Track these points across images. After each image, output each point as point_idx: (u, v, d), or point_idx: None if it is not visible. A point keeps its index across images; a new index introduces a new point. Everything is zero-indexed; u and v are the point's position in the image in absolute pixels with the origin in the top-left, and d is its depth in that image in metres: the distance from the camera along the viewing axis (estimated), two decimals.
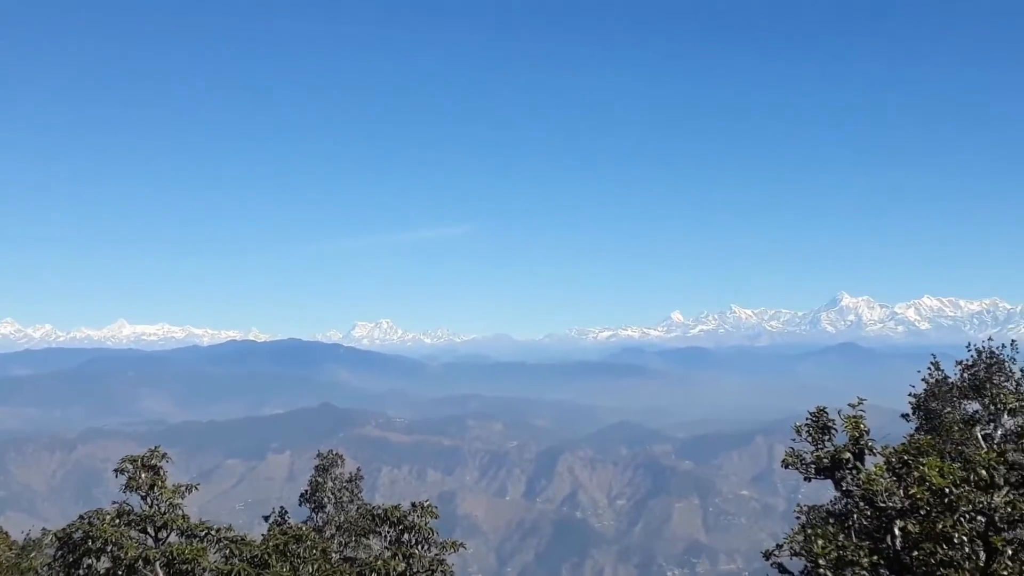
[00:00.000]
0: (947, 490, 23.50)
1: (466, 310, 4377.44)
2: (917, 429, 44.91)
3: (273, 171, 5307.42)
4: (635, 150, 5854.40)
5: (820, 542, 24.59)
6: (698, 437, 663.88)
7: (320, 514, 51.55)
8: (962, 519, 23.48)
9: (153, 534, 41.46)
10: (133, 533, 41.22)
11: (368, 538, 48.39)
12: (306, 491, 52.67)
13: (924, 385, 45.76)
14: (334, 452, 54.35)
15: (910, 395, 46.44)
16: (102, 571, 40.37)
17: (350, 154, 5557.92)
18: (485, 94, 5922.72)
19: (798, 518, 34.56)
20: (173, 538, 41.54)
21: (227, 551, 41.06)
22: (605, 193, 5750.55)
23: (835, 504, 32.91)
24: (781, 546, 26.04)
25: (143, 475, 41.93)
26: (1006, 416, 27.91)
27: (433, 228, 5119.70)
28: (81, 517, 41.52)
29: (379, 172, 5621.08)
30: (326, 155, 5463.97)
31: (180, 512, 41.83)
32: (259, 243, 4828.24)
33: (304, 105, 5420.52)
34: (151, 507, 41.70)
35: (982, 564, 23.43)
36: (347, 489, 52.48)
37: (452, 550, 45.46)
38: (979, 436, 28.05)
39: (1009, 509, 23.66)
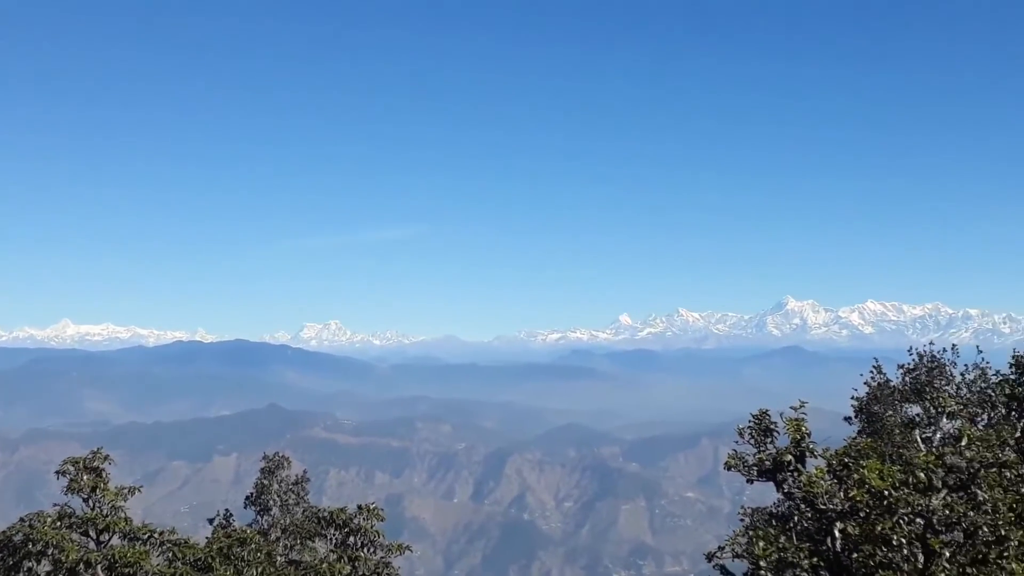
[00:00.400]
0: (886, 492, 23.81)
1: (416, 312, 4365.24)
2: (860, 432, 45.43)
3: (220, 171, 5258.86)
4: (583, 152, 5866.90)
5: (761, 544, 24.82)
6: (645, 439, 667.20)
7: (266, 517, 51.27)
8: (901, 521, 23.79)
9: (95, 537, 41.10)
10: (75, 536, 40.84)
11: (314, 541, 48.28)
12: (252, 493, 52.37)
13: (866, 388, 46.27)
14: (280, 454, 54.12)
15: (853, 398, 46.99)
16: (43, 575, 39.93)
17: (299, 154, 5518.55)
18: (434, 94, 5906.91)
19: (742, 520, 34.79)
20: (115, 541, 41.20)
21: (170, 554, 40.81)
22: (554, 195, 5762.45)
23: (778, 506, 33.19)
24: (723, 548, 26.24)
25: (85, 477, 41.57)
26: (945, 419, 28.33)
27: (383, 229, 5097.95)
28: (22, 520, 41.06)
29: (328, 172, 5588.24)
30: (274, 155, 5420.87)
31: (123, 515, 41.50)
32: (207, 243, 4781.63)
33: (251, 105, 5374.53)
34: (93, 510, 41.34)
35: (920, 566, 23.77)
36: (293, 492, 52.24)
37: (398, 553, 45.50)
38: (918, 439, 28.43)
39: (947, 511, 24.01)
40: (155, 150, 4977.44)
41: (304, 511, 51.22)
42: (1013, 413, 39.70)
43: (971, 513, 23.96)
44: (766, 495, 28.13)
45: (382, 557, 44.71)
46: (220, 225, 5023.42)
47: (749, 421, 27.44)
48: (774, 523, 27.89)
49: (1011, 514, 23.81)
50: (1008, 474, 26.01)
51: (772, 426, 27.08)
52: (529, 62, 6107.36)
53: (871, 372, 46.56)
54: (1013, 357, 41.40)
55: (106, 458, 42.44)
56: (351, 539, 44.93)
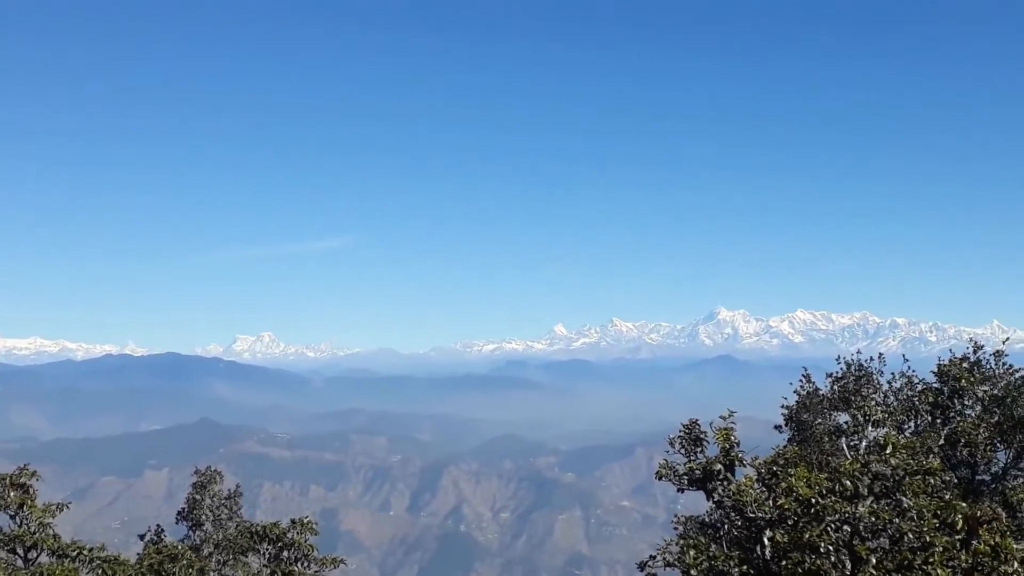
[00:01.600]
0: (813, 500, 24.19)
1: (350, 323, 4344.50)
2: (789, 440, 45.95)
3: (149, 181, 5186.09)
4: (516, 161, 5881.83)
5: (692, 553, 25.12)
6: (581, 449, 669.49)
7: (198, 532, 50.75)
8: (828, 529, 24.16)
9: (23, 555, 40.46)
10: (1, 554, 40.17)
11: (247, 556, 47.86)
12: (183, 509, 51.82)
13: (796, 397, 46.81)
14: (212, 469, 53.61)
15: (782, 407, 47.47)
16: None
17: (229, 164, 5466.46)
18: (366, 102, 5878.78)
19: (676, 528, 35.13)
20: (44, 559, 40.57)
21: (100, 571, 40.26)
22: (488, 205, 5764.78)
23: (710, 515, 33.53)
24: (655, 557, 26.47)
25: (12, 494, 40.90)
26: (871, 427, 28.83)
27: (316, 240, 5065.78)
28: None
29: (260, 182, 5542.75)
30: (205, 165, 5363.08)
31: (51, 532, 40.90)
32: (136, 254, 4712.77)
33: (181, 109, 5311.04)
34: (20, 527, 40.69)
35: (848, 573, 24.15)
36: (226, 506, 51.76)
37: (332, 566, 45.32)
38: (845, 447, 28.93)
39: (873, 519, 24.44)
40: (82, 158, 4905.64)
41: (237, 526, 50.75)
42: (937, 421, 40.61)
43: (896, 520, 24.41)
44: (700, 503, 28.44)
45: (316, 571, 44.51)
46: (150, 236, 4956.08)
47: (679, 431, 27.75)
48: (708, 532, 28.19)
49: (935, 520, 24.27)
50: (932, 481, 26.53)
51: (702, 435, 27.39)
52: (463, 66, 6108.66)
53: (800, 381, 47.02)
54: (937, 366, 42.32)
55: (33, 474, 41.80)
56: (284, 553, 44.64)
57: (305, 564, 44.51)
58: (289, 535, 44.61)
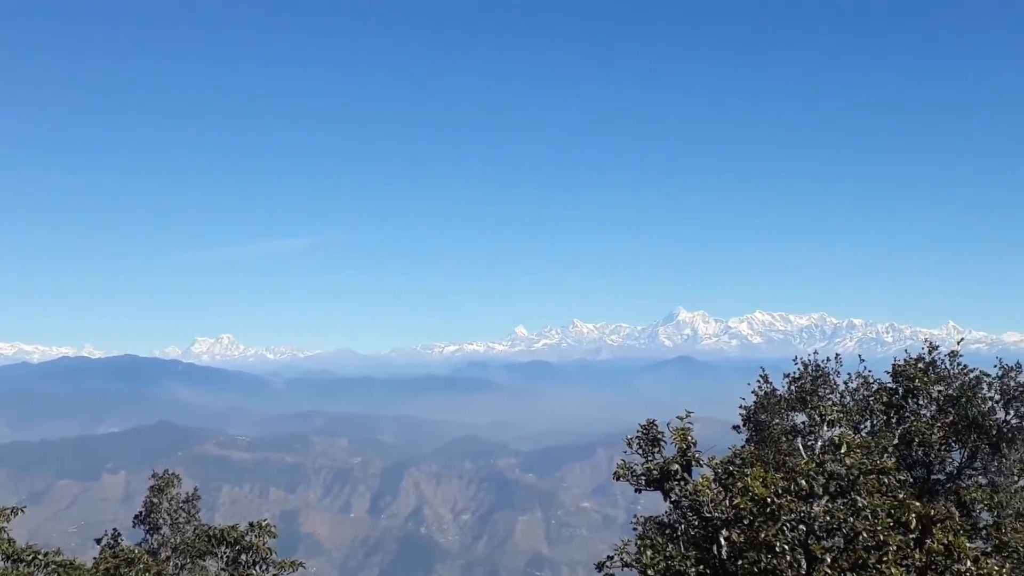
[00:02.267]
0: (769, 500, 24.34)
1: (311, 325, 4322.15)
2: (748, 440, 46.20)
3: (108, 181, 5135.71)
4: (475, 161, 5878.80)
5: (649, 552, 25.22)
6: (541, 450, 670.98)
7: (155, 536, 50.28)
8: (784, 528, 24.32)
9: None
10: None
11: (204, 560, 47.52)
12: (141, 512, 51.35)
13: (754, 397, 47.06)
14: (170, 472, 53.14)
15: (741, 407, 47.71)
16: None
17: (189, 164, 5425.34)
18: (323, 101, 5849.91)
19: (635, 529, 35.24)
20: None
21: None
22: (448, 206, 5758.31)
23: (669, 515, 33.69)
24: (612, 558, 26.54)
25: None
26: (826, 427, 29.05)
27: (276, 241, 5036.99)
28: None
29: (219, 183, 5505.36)
30: (163, 165, 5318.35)
31: (5, 536, 40.51)
32: (94, 256, 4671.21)
33: (139, 112, 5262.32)
34: None
35: (803, 571, 24.32)
36: (184, 509, 51.32)
37: (291, 569, 45.11)
38: (800, 447, 29.15)
39: (828, 518, 24.61)
40: (39, 157, 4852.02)
41: (195, 529, 50.33)
42: (892, 421, 40.97)
43: (851, 519, 24.59)
44: (661, 504, 28.59)
45: (274, 574, 44.28)
46: (108, 237, 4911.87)
47: (637, 431, 27.87)
48: (666, 532, 28.29)
49: (889, 520, 24.47)
50: (887, 480, 26.74)
51: (659, 436, 27.53)
52: (424, 66, 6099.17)
53: (758, 381, 47.30)
54: (892, 366, 42.69)
55: None
56: (243, 557, 44.38)
57: (264, 567, 44.28)
58: (247, 538, 44.34)
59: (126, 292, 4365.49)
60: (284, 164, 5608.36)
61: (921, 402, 41.70)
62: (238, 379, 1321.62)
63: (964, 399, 42.33)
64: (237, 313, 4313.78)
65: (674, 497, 26.64)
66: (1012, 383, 42.68)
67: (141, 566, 41.46)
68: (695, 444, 26.97)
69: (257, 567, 44.06)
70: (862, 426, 41.03)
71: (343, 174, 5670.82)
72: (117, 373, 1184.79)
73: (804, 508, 24.66)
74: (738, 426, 47.87)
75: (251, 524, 44.98)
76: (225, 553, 44.84)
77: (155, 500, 50.90)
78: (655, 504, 28.23)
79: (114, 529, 49.36)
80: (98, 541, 48.73)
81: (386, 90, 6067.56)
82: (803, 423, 34.94)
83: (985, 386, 42.66)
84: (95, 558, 44.08)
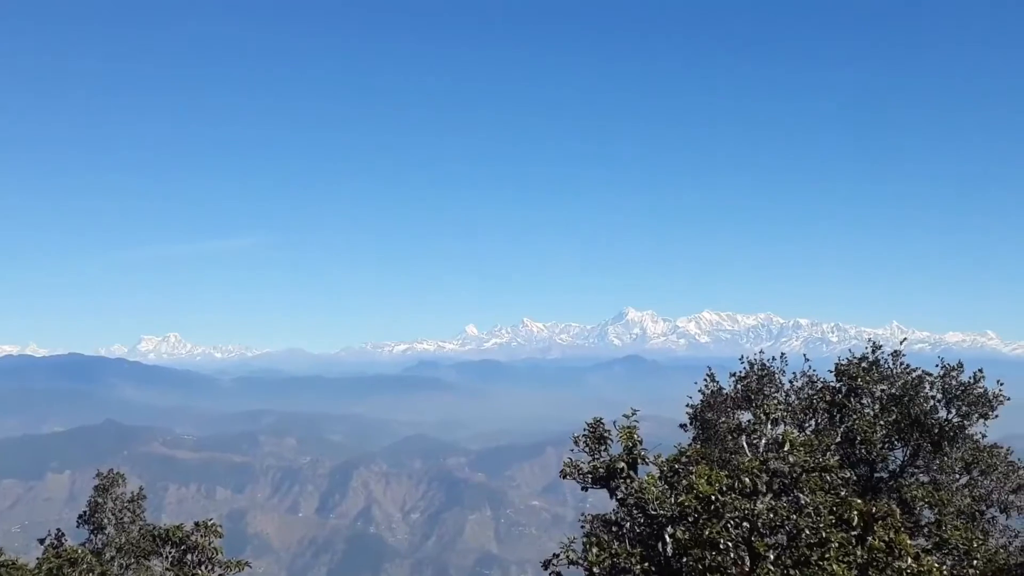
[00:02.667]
0: (714, 497, 24.55)
1: (259, 324, 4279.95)
2: (694, 438, 46.59)
3: (51, 176, 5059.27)
4: (425, 159, 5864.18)
5: (595, 550, 25.34)
6: (491, 449, 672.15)
7: (100, 536, 49.87)
8: (728, 525, 24.53)
9: None
10: None
11: (149, 560, 47.25)
12: (85, 512, 50.87)
13: (701, 396, 47.46)
14: (115, 471, 52.72)
15: (687, 406, 48.10)
16: None
17: (133, 159, 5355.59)
18: (272, 96, 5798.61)
19: (583, 527, 35.38)
20: None
21: None
22: (398, 203, 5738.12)
23: (616, 512, 33.88)
24: (558, 556, 26.63)
25: None
26: (770, 426, 29.35)
27: (223, 238, 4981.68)
28: None
29: (164, 178, 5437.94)
30: (108, 160, 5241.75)
31: None
32: (37, 253, 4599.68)
33: (84, 106, 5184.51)
34: None
35: (747, 568, 24.55)
36: (129, 509, 50.93)
37: (237, 569, 44.93)
38: (744, 445, 29.43)
39: (771, 515, 24.88)
40: None
41: (140, 529, 49.99)
42: (836, 419, 41.48)
43: (794, 516, 24.87)
44: (608, 502, 28.77)
45: (220, 574, 44.06)
46: (52, 234, 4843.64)
47: (584, 430, 28.01)
48: (613, 529, 28.44)
49: (832, 517, 24.77)
50: (829, 478, 27.07)
51: (606, 434, 27.71)
52: (372, 62, 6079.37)
53: (705, 380, 47.71)
54: (835, 365, 43.24)
55: None
56: (188, 557, 44.13)
57: (209, 567, 44.06)
58: (193, 538, 44.10)
59: (70, 290, 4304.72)
60: (232, 161, 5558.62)
61: (864, 401, 42.28)
62: (185, 378, 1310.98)
63: (907, 398, 42.96)
64: (185, 311, 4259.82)
65: (620, 495, 26.82)
66: (953, 383, 43.33)
67: (85, 566, 41.12)
68: (641, 442, 27.16)
69: (203, 567, 43.84)
70: (807, 424, 41.46)
71: (292, 172, 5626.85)
72: (62, 372, 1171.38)
73: (748, 505, 24.91)
74: (685, 424, 48.26)
75: (197, 524, 44.75)
76: (170, 553, 44.57)
77: (100, 500, 50.48)
78: (604, 502, 28.40)
79: (58, 529, 48.90)
80: (41, 541, 48.24)
81: (340, 87, 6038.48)
82: (748, 421, 35.24)
83: (927, 385, 43.34)
84: (38, 558, 43.70)
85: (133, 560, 48.25)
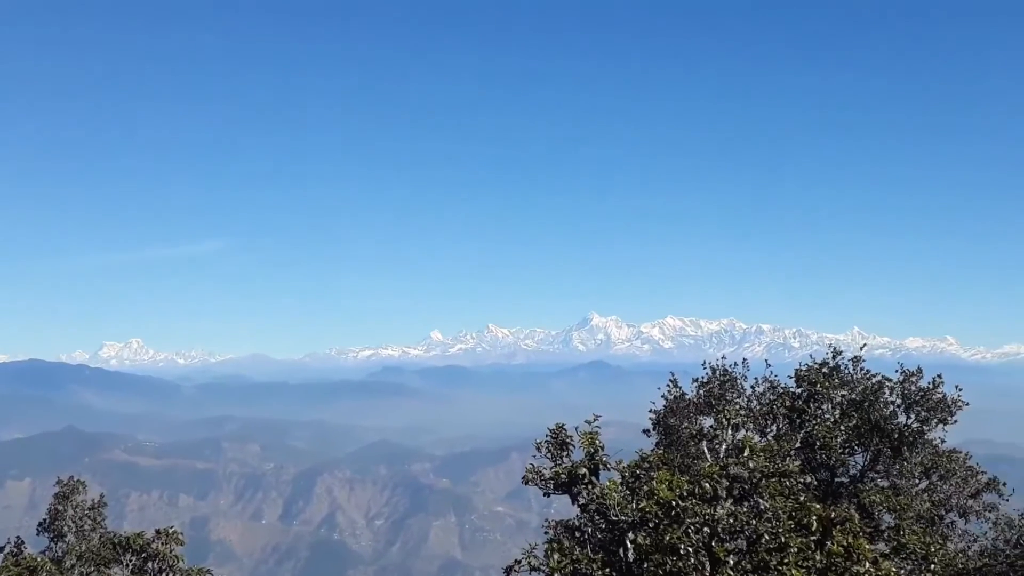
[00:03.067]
0: (674, 503, 24.68)
1: (223, 329, 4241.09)
2: (657, 444, 46.77)
3: (8, 180, 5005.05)
4: (387, 162, 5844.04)
5: (556, 556, 25.41)
6: (456, 455, 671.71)
7: (60, 544, 49.41)
8: (689, 530, 24.67)
9: None
10: None
11: (110, 568, 46.87)
12: (45, 520, 50.40)
13: (663, 401, 47.63)
14: (76, 478, 52.24)
15: (651, 411, 48.27)
16: None
17: (94, 164, 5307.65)
18: (232, 101, 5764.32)
19: (546, 533, 35.44)
20: None
21: None
22: (362, 208, 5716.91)
23: (579, 518, 33.96)
24: (520, 561, 26.67)
25: None
26: (730, 431, 29.53)
27: (185, 244, 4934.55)
28: None
29: (126, 183, 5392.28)
30: (68, 165, 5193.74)
31: None
32: None
33: (41, 109, 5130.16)
34: None
35: (707, 574, 24.69)
36: (89, 517, 50.49)
37: None
38: (705, 450, 29.60)
39: (731, 520, 25.05)
40: None
41: (101, 537, 49.57)
42: (796, 424, 41.76)
43: (754, 521, 25.05)
44: (573, 507, 28.89)
45: None
46: (13, 239, 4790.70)
47: (546, 436, 28.10)
48: (577, 536, 28.51)
49: (791, 522, 24.95)
50: (788, 483, 27.28)
51: (568, 440, 27.82)
52: (333, 64, 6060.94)
53: (668, 385, 47.89)
54: (795, 371, 43.53)
55: None
56: (149, 565, 43.83)
57: (170, 575, 43.78)
58: (154, 545, 43.79)
59: (31, 295, 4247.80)
60: (195, 166, 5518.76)
61: (824, 406, 42.57)
62: (148, 384, 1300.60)
63: (867, 403, 43.27)
64: (147, 317, 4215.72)
65: (582, 501, 26.92)
66: (913, 388, 43.65)
67: (44, 574, 40.70)
68: (603, 448, 27.27)
69: (164, 575, 43.55)
70: (768, 430, 41.71)
71: (255, 176, 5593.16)
72: (22, 378, 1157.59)
73: (708, 511, 25.06)
74: (648, 430, 48.42)
75: (158, 531, 44.47)
76: (131, 561, 44.25)
77: (60, 507, 50.00)
78: (569, 508, 28.49)
79: (17, 537, 48.42)
80: (0, 549, 47.76)
81: (301, 89, 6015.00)
82: (710, 427, 35.46)
83: (887, 391, 43.65)
84: None
85: (93, 568, 47.84)
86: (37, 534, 50.33)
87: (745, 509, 25.81)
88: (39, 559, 44.02)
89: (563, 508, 27.79)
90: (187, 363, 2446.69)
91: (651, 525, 25.13)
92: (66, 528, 49.53)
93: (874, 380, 43.88)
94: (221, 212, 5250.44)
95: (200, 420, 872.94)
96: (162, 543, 43.84)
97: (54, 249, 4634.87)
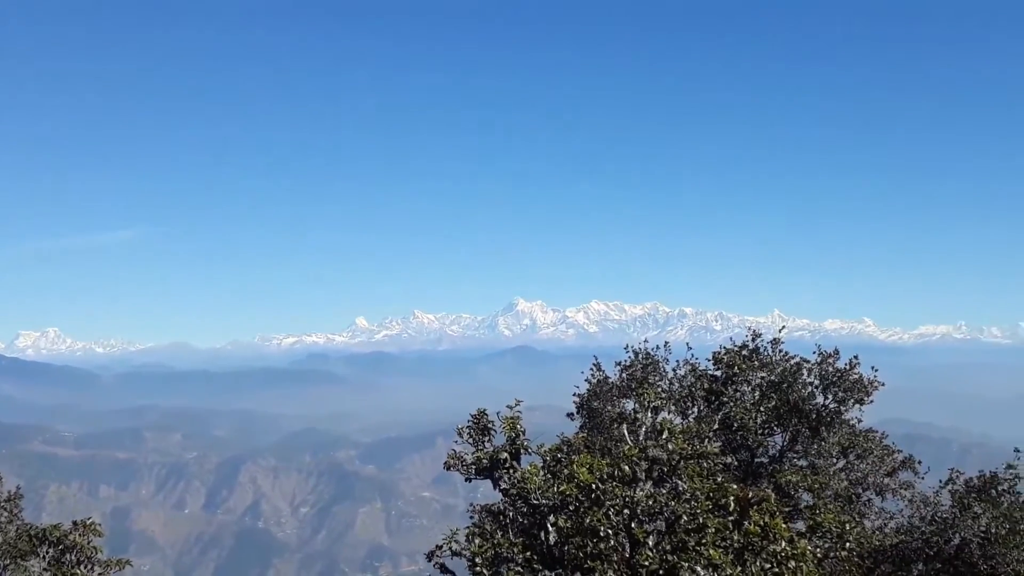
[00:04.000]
0: (594, 486, 24.84)
1: (142, 318, 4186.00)
2: (581, 427, 47.01)
3: None
4: (312, 150, 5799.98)
5: (477, 541, 25.45)
6: (381, 441, 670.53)
7: None
8: (608, 513, 24.83)
9: None
10: None
11: (27, 560, 45.98)
12: None
13: (587, 385, 47.85)
14: None
15: (574, 395, 48.47)
16: None
17: (7, 150, 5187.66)
18: (156, 89, 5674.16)
19: (472, 517, 35.46)
20: None
21: None
22: (284, 196, 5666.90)
23: (501, 503, 34.03)
24: (441, 547, 26.68)
25: None
26: (650, 413, 29.74)
27: (104, 231, 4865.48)
28: None
29: (41, 170, 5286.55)
30: None
31: None
32: None
33: None
34: None
35: (627, 555, 24.90)
36: (5, 509, 49.47)
37: (118, 568, 44.04)
38: (625, 433, 29.79)
39: (650, 502, 25.24)
40: None
41: (17, 529, 48.62)
42: (713, 406, 42.22)
43: (672, 503, 25.28)
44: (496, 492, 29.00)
45: (100, 573, 43.11)
46: None
47: (468, 421, 28.13)
48: (499, 519, 28.56)
49: (709, 502, 25.23)
50: (707, 464, 27.60)
51: (490, 425, 27.87)
52: (258, 55, 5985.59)
53: (591, 369, 48.10)
54: (713, 354, 43.98)
55: None
56: (66, 556, 43.09)
57: (88, 567, 43.11)
58: (71, 537, 43.07)
59: None
60: (113, 151, 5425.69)
61: (742, 388, 43.05)
62: (65, 374, 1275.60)
63: (785, 385, 43.78)
64: (64, 306, 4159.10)
65: (503, 485, 26.99)
66: (830, 369, 44.19)
67: None
68: (524, 432, 27.36)
69: (82, 566, 42.88)
70: (689, 412, 42.10)
71: (172, 165, 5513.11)
72: None
73: (628, 493, 25.23)
74: (572, 414, 48.63)
75: (75, 523, 43.72)
76: (48, 553, 43.49)
77: None
78: (495, 493, 28.57)
79: None
80: None
81: (220, 80, 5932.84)
82: (631, 410, 35.73)
83: (805, 372, 44.12)
84: None
85: (10, 560, 46.89)
86: None
87: (664, 491, 26.05)
88: None
89: (489, 492, 27.88)
90: (106, 352, 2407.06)
91: (572, 508, 25.24)
92: None
93: (792, 362, 44.27)
94: (137, 201, 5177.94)
95: (120, 410, 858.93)
96: (80, 535, 43.13)
97: None
